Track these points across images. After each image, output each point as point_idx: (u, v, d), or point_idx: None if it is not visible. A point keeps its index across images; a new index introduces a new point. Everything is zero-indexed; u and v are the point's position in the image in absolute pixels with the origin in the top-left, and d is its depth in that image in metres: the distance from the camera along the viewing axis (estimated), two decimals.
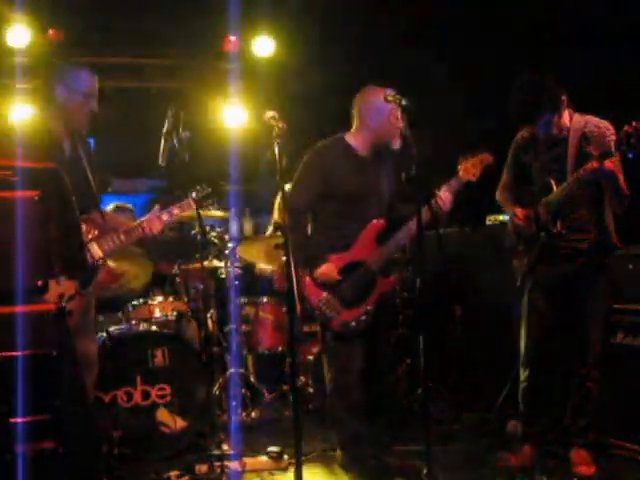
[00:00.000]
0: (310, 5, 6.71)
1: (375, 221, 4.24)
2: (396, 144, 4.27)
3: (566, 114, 4.11)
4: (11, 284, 3.01)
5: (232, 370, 5.30)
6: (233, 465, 4.31)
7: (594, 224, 4.09)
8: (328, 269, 4.16)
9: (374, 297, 4.22)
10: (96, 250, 3.97)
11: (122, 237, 4.07)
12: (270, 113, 3.58)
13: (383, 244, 4.24)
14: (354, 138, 4.32)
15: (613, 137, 3.89)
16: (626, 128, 3.74)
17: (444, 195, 4.18)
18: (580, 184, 3.94)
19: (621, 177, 3.94)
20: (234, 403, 5.20)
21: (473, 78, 6.20)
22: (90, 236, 3.96)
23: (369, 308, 4.20)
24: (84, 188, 3.93)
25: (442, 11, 6.57)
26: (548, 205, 4.07)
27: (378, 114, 4.20)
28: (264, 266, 6.07)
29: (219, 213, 5.30)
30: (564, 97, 4.06)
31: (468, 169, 4.20)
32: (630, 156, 3.76)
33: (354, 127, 4.33)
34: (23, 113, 6.38)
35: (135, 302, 5.30)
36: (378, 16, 6.76)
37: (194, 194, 4.39)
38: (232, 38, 7.30)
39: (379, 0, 6.78)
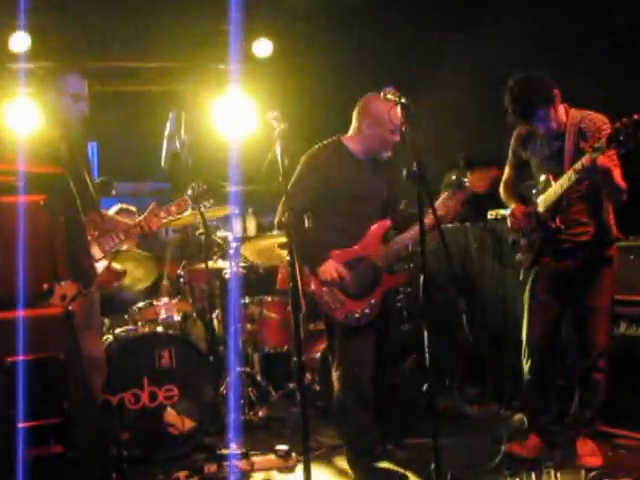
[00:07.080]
0: (310, 7, 6.73)
1: (383, 221, 4.27)
2: (385, 155, 4.30)
3: (562, 109, 4.12)
4: (17, 288, 3.03)
5: (235, 370, 5.31)
6: (241, 464, 4.33)
7: (592, 217, 4.10)
8: (331, 266, 4.19)
9: (379, 292, 4.24)
10: (97, 250, 4.01)
11: (121, 236, 4.13)
12: (272, 113, 3.60)
13: (388, 243, 4.27)
14: (351, 141, 4.35)
15: (609, 132, 3.89)
16: (617, 124, 3.74)
17: (449, 204, 4.20)
18: (576, 180, 3.95)
19: (617, 171, 3.94)
20: (241, 402, 5.23)
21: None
22: (90, 237, 4.01)
23: (373, 302, 4.21)
24: (82, 190, 3.95)
25: (441, 11, 6.58)
26: (546, 201, 4.09)
27: (374, 123, 4.23)
28: (269, 264, 6.07)
29: (221, 212, 5.31)
30: (556, 91, 4.07)
31: (475, 182, 4.21)
32: (622, 152, 3.78)
33: (351, 130, 4.37)
34: (23, 119, 6.39)
35: (140, 304, 5.32)
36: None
37: (190, 191, 4.43)
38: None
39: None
